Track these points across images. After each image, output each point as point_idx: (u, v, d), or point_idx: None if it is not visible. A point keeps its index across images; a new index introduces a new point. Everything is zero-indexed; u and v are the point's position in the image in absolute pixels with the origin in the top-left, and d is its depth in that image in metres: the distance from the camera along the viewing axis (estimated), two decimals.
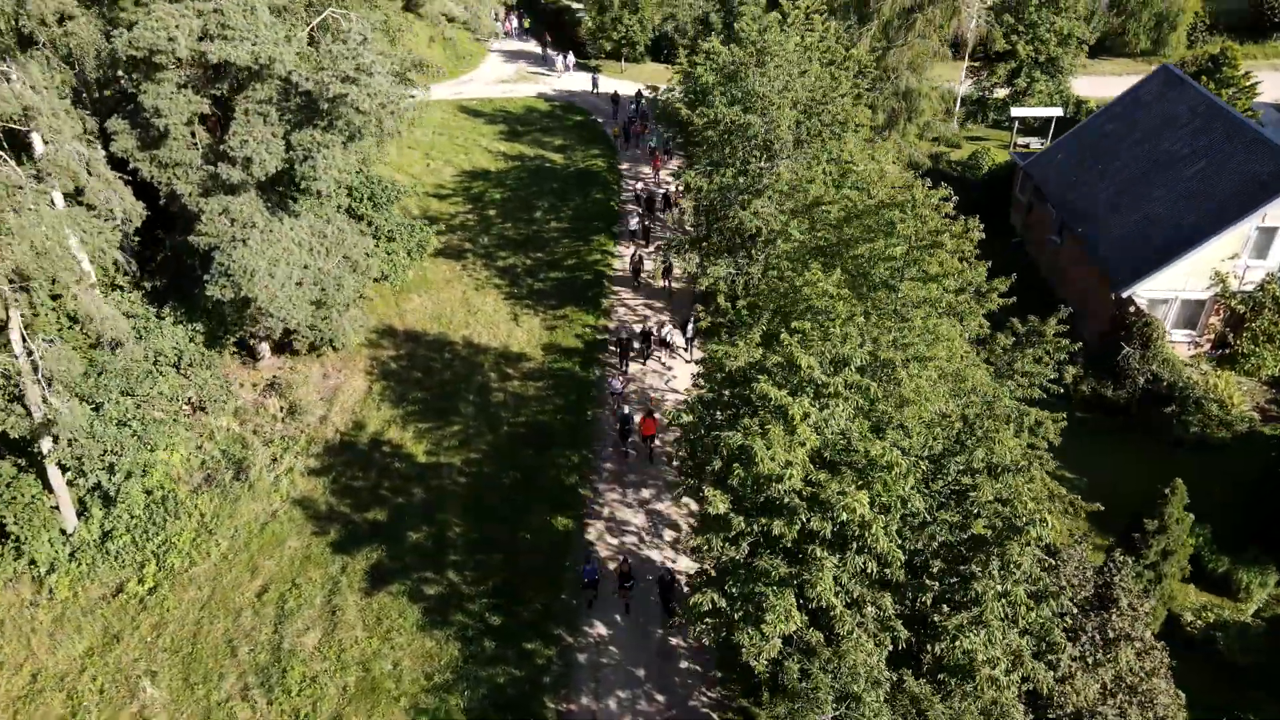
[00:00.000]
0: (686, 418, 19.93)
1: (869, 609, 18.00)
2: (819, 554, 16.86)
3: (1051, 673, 18.36)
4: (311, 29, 28.72)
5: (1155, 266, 30.24)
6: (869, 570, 17.84)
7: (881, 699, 16.94)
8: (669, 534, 27.23)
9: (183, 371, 29.87)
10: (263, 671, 23.70)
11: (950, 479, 18.51)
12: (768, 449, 16.77)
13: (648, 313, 36.93)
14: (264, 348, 33.76)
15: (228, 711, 22.86)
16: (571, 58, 59.47)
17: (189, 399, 30.24)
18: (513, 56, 62.72)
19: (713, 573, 19.02)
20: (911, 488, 17.46)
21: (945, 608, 17.87)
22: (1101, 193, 34.41)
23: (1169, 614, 23.82)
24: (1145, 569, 22.42)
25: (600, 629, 24.65)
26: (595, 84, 55.16)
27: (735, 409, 19.64)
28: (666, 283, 38.20)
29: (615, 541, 27.12)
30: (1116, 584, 21.43)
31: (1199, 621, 23.41)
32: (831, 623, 17.83)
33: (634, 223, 41.61)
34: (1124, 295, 30.67)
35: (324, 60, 26.20)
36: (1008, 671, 17.53)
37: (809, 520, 16.68)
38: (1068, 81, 48.92)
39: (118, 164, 27.00)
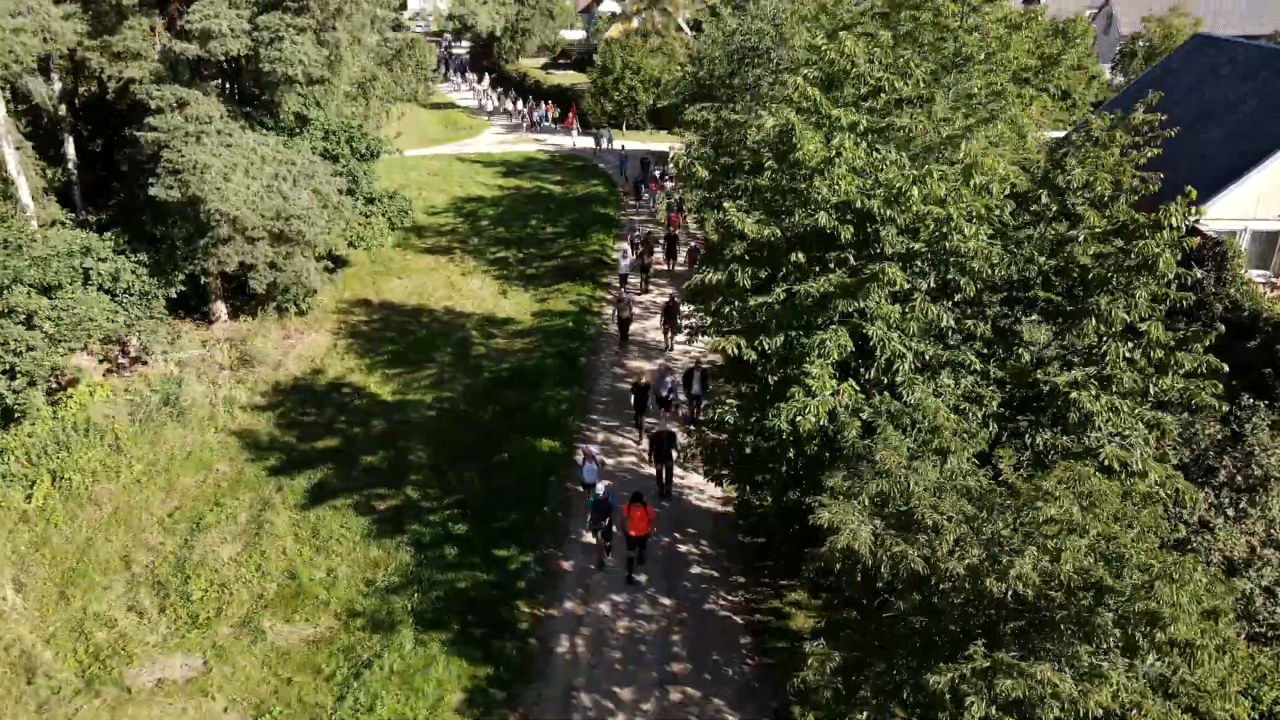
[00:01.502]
0: (702, 172, 15.95)
1: (944, 378, 13.57)
2: (879, 268, 12.61)
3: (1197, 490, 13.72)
4: None
5: (1219, 187, 26.97)
6: (943, 327, 13.56)
7: (972, 459, 12.28)
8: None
9: (119, 299, 25.98)
10: (159, 584, 18.58)
11: (1045, 222, 14.42)
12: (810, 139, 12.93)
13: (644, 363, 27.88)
14: (219, 308, 30.06)
15: (106, 620, 17.62)
16: (610, 133, 54.67)
17: (121, 337, 26.23)
18: (515, 128, 62.02)
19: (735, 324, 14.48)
20: (998, 206, 13.50)
21: (1052, 369, 13.44)
22: None
23: None
24: None
25: (590, 539, 19.62)
26: (623, 151, 50.35)
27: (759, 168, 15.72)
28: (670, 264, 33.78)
29: (611, 463, 22.39)
30: (1250, 432, 16.94)
31: None
32: (899, 391, 13.42)
33: (625, 263, 32.64)
34: (1188, 224, 27.22)
35: None
36: (1144, 458, 12.93)
37: (867, 204, 12.57)
38: (1085, 112, 47.47)
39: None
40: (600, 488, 18.41)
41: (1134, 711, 9.60)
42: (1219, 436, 16.93)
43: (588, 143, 54.73)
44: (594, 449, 21.19)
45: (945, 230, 12.56)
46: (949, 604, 10.89)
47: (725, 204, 13.63)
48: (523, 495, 21.03)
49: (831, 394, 12.78)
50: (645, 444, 22.19)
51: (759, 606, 17.59)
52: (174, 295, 27.66)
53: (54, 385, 24.08)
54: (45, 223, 27.50)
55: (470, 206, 43.29)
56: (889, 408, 12.58)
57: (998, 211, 13.54)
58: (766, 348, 13.38)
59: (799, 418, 12.43)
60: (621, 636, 16.88)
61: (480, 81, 73.06)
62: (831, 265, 13.07)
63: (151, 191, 24.75)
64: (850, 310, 12.74)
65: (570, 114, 58.09)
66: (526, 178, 48.46)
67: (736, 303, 13.93)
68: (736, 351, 13.24)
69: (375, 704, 15.27)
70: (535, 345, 28.63)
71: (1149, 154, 16.49)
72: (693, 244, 33.98)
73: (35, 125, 28.96)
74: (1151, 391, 13.36)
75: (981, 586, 10.52)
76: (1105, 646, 9.85)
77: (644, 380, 23.62)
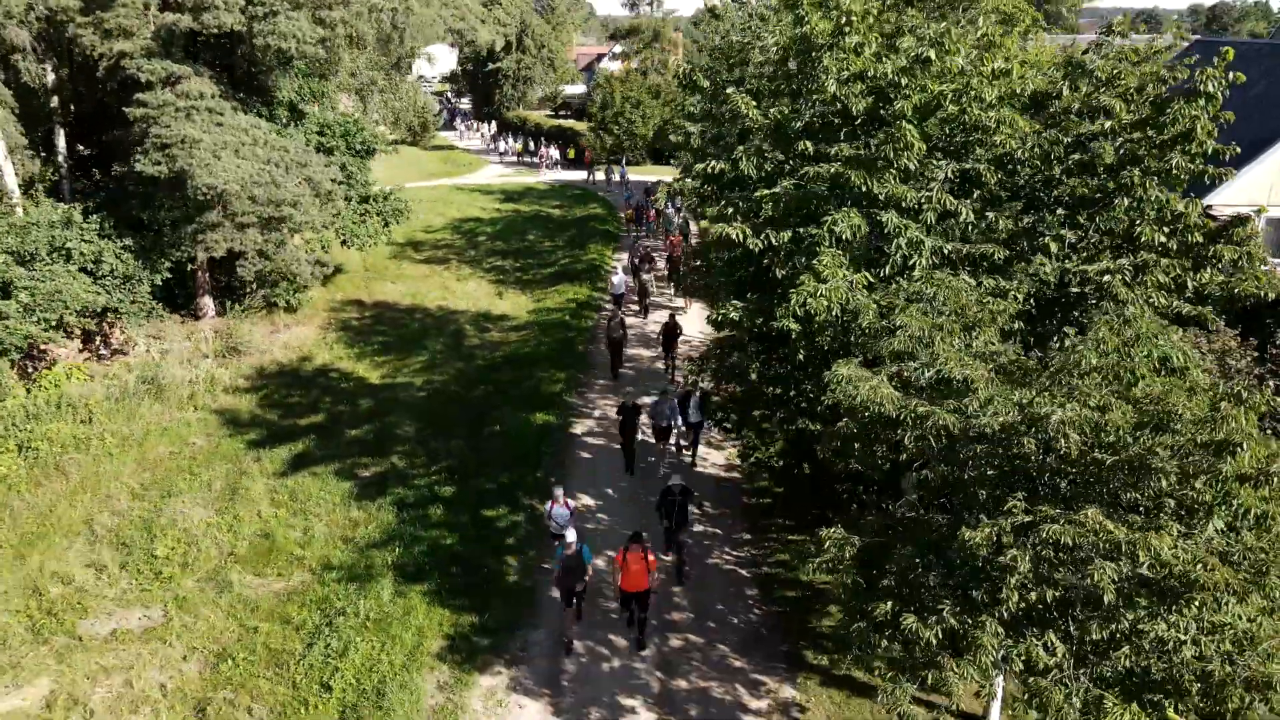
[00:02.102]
0: (704, 82, 15.05)
1: (965, 276, 12.64)
2: (895, 128, 11.68)
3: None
4: None
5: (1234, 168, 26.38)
6: (963, 222, 12.69)
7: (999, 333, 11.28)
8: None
9: (101, 281, 25.10)
10: (124, 544, 17.32)
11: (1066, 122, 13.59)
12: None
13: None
14: (206, 303, 29.22)
15: (63, 577, 16.32)
16: (624, 169, 53.24)
17: (101, 312, 25.34)
18: (515, 165, 62.10)
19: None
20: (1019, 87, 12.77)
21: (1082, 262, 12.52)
22: None
23: None
24: None
25: (586, 499, 18.47)
26: (627, 182, 50.14)
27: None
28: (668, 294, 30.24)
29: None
30: None
31: None
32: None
33: (620, 282, 28.99)
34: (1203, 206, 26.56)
35: None
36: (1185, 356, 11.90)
37: (880, 69, 11.76)
38: None
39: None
40: (570, 535, 13.91)
41: (1198, 568, 8.43)
42: (1255, 371, 15.96)
43: (601, 177, 54.00)
44: (560, 493, 15.87)
45: (965, 102, 11.78)
46: (981, 475, 9.76)
47: (729, 90, 12.87)
48: (514, 461, 19.87)
49: (846, 283, 11.84)
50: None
51: (766, 560, 16.33)
52: (159, 282, 26.79)
53: (29, 367, 23.17)
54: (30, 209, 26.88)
55: (468, 226, 42.84)
56: (907, 292, 11.63)
57: (1019, 88, 12.79)
58: (774, 241, 12.47)
59: (810, 300, 11.44)
60: (618, 589, 15.57)
61: (490, 129, 73.61)
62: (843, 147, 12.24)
63: (138, 167, 24.12)
64: (863, 190, 11.86)
65: (587, 153, 57.39)
66: (525, 203, 48.19)
67: (740, 203, 13.07)
68: (741, 238, 12.31)
69: (348, 649, 13.94)
70: (531, 336, 27.74)
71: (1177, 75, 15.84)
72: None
73: (28, 123, 28.48)
74: (1190, 287, 12.43)
75: (1019, 449, 9.45)
76: (1162, 491, 8.73)
77: (633, 400, 19.20)
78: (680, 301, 30.45)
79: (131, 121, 24.75)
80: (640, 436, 19.72)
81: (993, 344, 10.99)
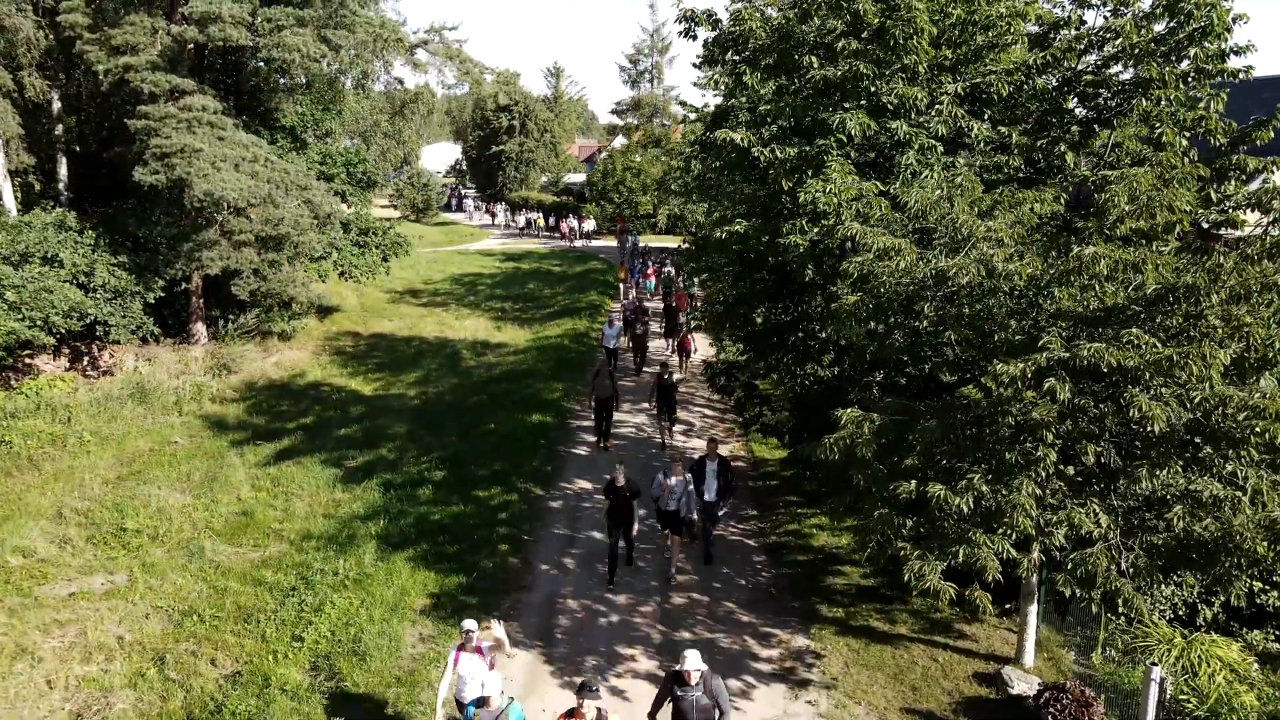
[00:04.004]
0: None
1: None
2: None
3: None
4: None
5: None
6: (974, 137, 12.29)
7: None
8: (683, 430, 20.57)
9: (93, 294, 24.61)
10: (94, 523, 16.33)
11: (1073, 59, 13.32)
12: None
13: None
14: (199, 329, 28.68)
15: (25, 551, 15.29)
16: (636, 237, 50.32)
17: (90, 328, 24.78)
18: (517, 234, 62.59)
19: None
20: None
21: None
22: None
23: None
24: None
25: (582, 483, 17.54)
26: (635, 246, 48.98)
27: None
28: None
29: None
30: None
31: None
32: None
33: (613, 334, 24.47)
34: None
35: None
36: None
37: None
38: None
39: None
40: (497, 697, 8.29)
41: (1257, 396, 7.67)
42: None
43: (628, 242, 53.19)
44: (474, 631, 9.40)
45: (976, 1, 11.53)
46: (1009, 339, 9.03)
47: (729, 3, 12.66)
48: (510, 453, 18.99)
49: (856, 188, 11.35)
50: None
51: (774, 530, 15.34)
52: (151, 301, 26.28)
53: (11, 379, 22.56)
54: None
55: (468, 278, 42.73)
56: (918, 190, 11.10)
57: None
58: (778, 155, 12.02)
59: (820, 198, 10.92)
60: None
61: (502, 208, 74.34)
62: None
63: (137, 176, 23.93)
64: (871, 93, 11.49)
65: (619, 221, 56.05)
66: (526, 262, 48.28)
67: (744, 128, 12.68)
68: (745, 144, 11.86)
69: (324, 605, 12.86)
70: (529, 357, 27.10)
71: None
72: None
73: (32, 146, 28.55)
74: (1214, 197, 11.93)
75: (1049, 304, 8.79)
76: (1209, 331, 8.02)
77: (621, 478, 13.43)
78: (677, 368, 25.46)
79: (133, 135, 24.72)
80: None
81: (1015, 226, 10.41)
